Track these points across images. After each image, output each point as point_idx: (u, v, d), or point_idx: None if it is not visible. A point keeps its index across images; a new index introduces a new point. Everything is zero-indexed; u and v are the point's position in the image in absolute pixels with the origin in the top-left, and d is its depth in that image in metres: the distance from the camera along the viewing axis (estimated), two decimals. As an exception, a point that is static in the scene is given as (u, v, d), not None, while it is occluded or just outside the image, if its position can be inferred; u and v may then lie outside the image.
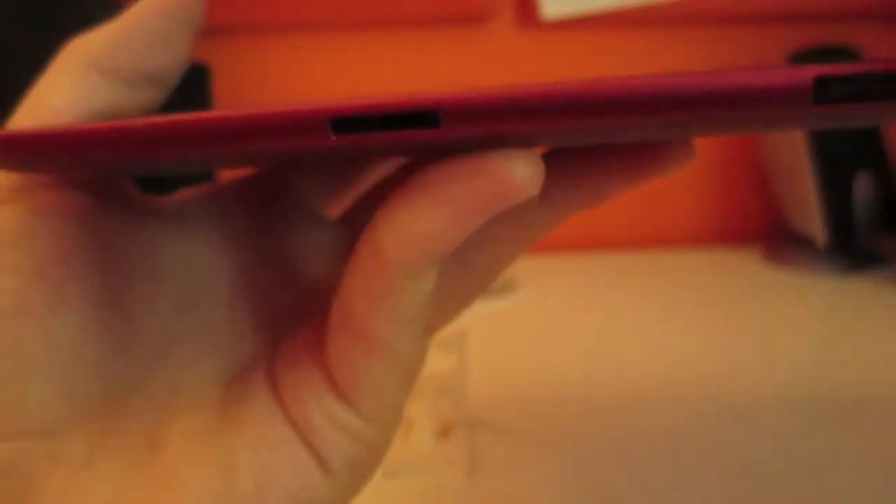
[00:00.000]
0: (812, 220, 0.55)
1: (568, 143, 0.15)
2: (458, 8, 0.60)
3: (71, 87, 0.15)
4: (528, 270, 0.57)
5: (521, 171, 0.13)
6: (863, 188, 0.55)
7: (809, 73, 0.12)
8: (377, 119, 0.12)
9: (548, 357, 0.42)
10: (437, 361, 0.34)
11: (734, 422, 0.33)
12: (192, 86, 0.53)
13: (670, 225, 0.66)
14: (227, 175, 0.47)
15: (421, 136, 0.12)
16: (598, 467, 0.30)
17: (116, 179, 0.17)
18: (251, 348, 0.17)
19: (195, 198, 0.18)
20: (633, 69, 0.60)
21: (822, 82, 0.12)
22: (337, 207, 0.20)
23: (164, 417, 0.15)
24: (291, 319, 0.17)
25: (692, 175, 0.65)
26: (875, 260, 0.55)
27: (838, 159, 0.55)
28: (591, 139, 0.14)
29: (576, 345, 0.43)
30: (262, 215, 0.18)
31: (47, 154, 0.12)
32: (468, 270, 0.17)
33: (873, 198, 0.55)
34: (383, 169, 0.21)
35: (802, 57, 0.55)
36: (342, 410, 0.15)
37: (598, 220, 0.65)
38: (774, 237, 0.64)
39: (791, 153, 0.56)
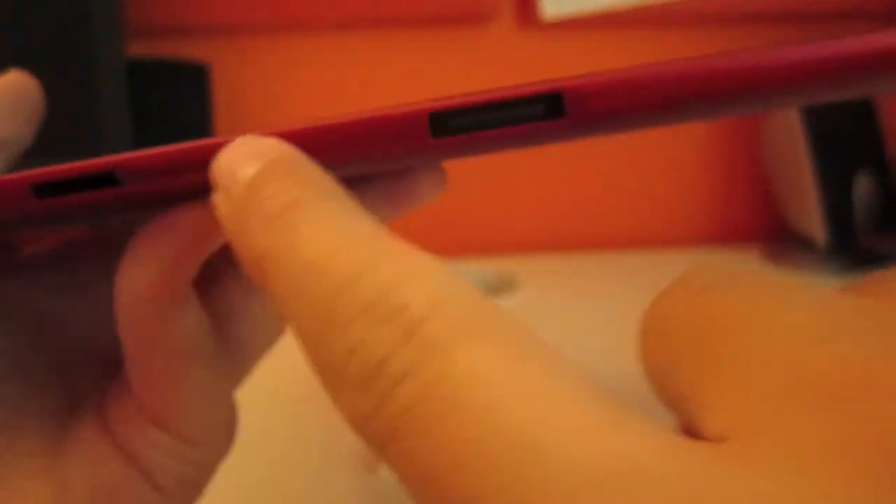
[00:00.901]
0: (812, 220, 0.55)
1: None
2: (458, 8, 0.60)
3: None
4: (528, 270, 0.57)
5: (207, 218, 0.14)
6: (863, 188, 0.55)
7: (425, 108, 0.13)
8: (67, 183, 0.13)
9: (548, 357, 0.42)
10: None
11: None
12: (193, 86, 0.53)
13: (670, 225, 0.66)
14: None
15: (108, 196, 0.13)
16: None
17: None
18: (88, 381, 0.18)
19: (50, 247, 0.19)
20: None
21: (437, 117, 0.13)
22: None
23: (5, 437, 0.17)
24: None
25: (692, 175, 0.65)
26: (875, 260, 0.55)
27: (838, 159, 0.55)
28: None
29: (575, 344, 0.43)
30: (111, 262, 0.19)
31: None
32: (261, 304, 0.18)
33: (873, 198, 0.55)
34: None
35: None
36: (160, 435, 0.16)
37: (597, 220, 0.65)
38: (774, 237, 0.64)
39: (791, 153, 0.56)
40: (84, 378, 0.18)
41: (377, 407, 0.10)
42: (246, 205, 0.12)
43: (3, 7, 0.43)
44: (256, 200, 0.12)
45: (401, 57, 0.62)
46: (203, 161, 0.13)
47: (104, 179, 0.13)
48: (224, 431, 0.18)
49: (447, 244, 0.64)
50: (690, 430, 0.10)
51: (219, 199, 0.12)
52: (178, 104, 0.53)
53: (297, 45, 0.62)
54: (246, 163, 0.12)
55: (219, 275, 0.18)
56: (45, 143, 0.19)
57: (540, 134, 0.13)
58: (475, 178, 0.63)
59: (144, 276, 0.15)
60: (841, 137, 0.55)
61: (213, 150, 0.13)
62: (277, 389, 0.38)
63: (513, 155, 0.59)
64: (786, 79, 0.11)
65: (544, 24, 0.59)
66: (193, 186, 0.14)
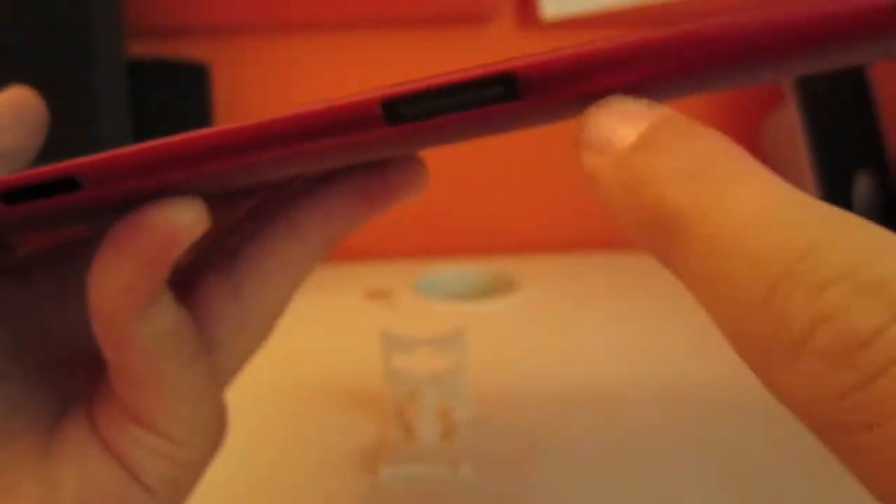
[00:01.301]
0: (812, 220, 0.55)
1: (235, 187, 0.15)
2: (458, 8, 0.60)
3: None
4: (528, 270, 0.57)
5: (176, 219, 0.14)
6: (863, 188, 0.55)
7: (376, 96, 0.12)
8: (30, 189, 0.13)
9: (548, 357, 0.42)
10: (438, 362, 0.34)
11: (738, 419, 0.33)
12: (192, 86, 0.53)
13: (670, 225, 0.66)
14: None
15: (73, 200, 0.13)
16: (599, 466, 0.30)
17: None
18: (79, 381, 0.18)
19: (40, 251, 0.19)
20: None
21: (389, 105, 0.12)
22: None
23: (2, 436, 0.17)
24: None
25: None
26: (875, 260, 0.55)
27: (838, 159, 0.55)
28: (254, 179, 0.14)
29: (576, 344, 0.43)
30: None
31: None
32: (247, 305, 0.18)
33: (873, 198, 0.55)
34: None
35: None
36: (147, 436, 0.16)
37: (598, 220, 0.65)
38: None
39: (791, 152, 0.56)
40: (76, 378, 0.18)
41: (865, 383, 0.09)
42: (647, 161, 0.12)
43: (3, 7, 0.43)
44: (662, 157, 0.11)
45: (401, 57, 0.62)
46: (162, 161, 0.13)
47: (65, 184, 0.13)
48: (211, 431, 0.17)
49: (447, 244, 0.64)
50: None
51: (592, 156, 0.12)
52: (178, 104, 0.53)
53: (297, 45, 0.62)
54: (629, 121, 0.12)
55: (199, 275, 0.18)
56: (45, 144, 0.19)
57: (499, 117, 0.12)
58: (475, 177, 0.63)
59: (115, 277, 0.14)
60: (841, 137, 0.55)
61: (168, 151, 0.13)
62: (277, 389, 0.38)
63: (512, 154, 0.59)
64: (734, 50, 0.11)
65: (544, 24, 0.59)
66: (158, 187, 0.13)
